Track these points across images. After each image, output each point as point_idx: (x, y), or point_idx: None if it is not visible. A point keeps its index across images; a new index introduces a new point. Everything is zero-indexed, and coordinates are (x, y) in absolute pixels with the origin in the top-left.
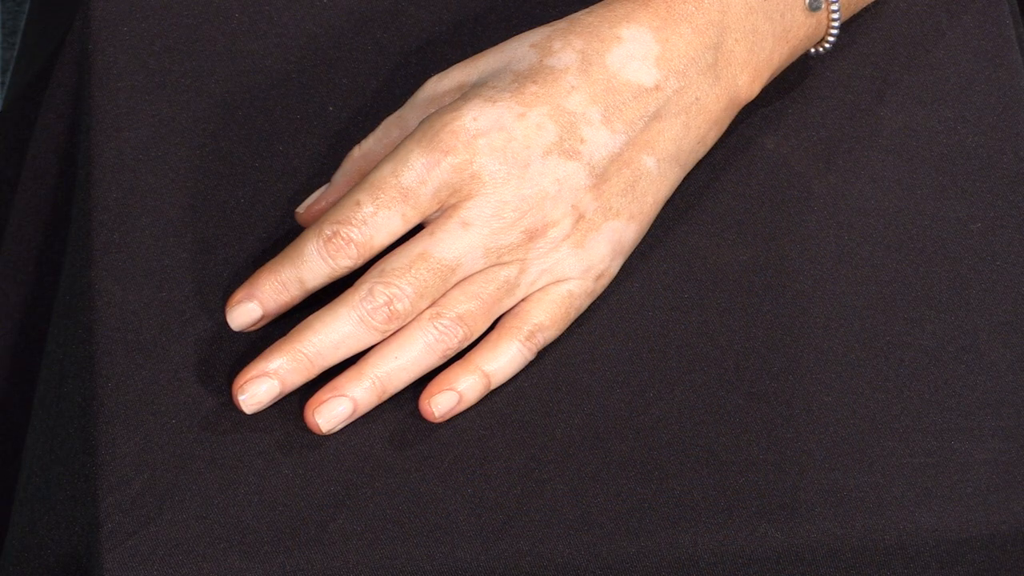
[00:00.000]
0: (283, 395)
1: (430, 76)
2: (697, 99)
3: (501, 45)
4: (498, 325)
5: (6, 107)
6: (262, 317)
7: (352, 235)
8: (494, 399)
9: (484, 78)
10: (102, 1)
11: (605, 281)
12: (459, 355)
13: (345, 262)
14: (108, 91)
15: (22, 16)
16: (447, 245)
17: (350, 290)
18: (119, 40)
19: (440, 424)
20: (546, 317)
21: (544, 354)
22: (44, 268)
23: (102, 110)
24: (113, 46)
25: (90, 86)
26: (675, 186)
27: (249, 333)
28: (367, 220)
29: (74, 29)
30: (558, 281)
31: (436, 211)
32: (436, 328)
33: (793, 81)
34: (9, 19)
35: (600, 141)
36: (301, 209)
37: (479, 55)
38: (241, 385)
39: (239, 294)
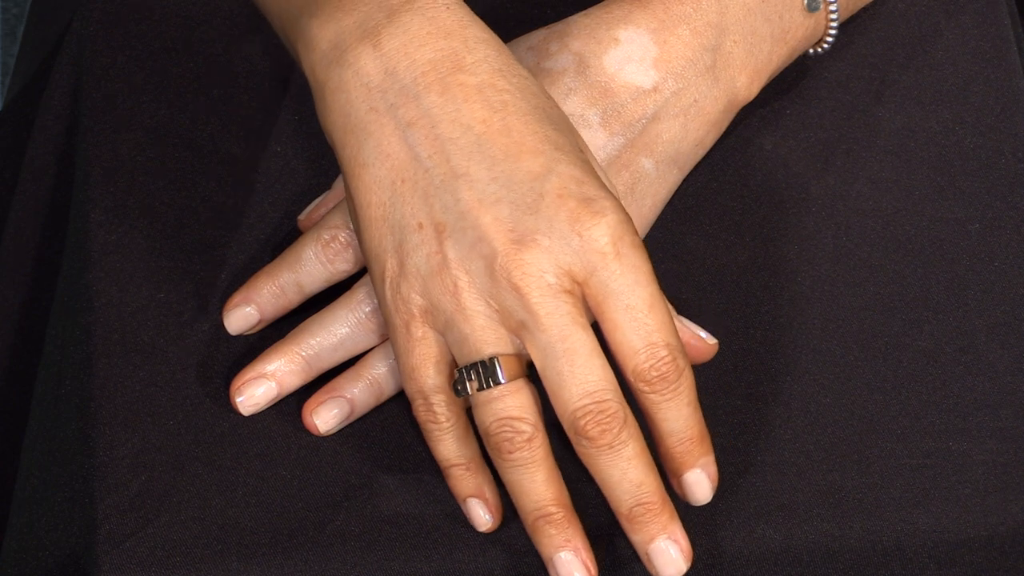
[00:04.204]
0: (281, 397)
1: None
2: (695, 101)
3: None
4: None
5: (5, 108)
6: (259, 321)
7: (350, 238)
8: None
9: None
10: (101, 1)
11: None
12: None
13: (343, 266)
14: (106, 92)
15: (22, 17)
16: None
17: (348, 293)
18: (117, 41)
19: None
20: None
21: None
22: (42, 269)
23: (100, 111)
24: (111, 47)
25: (88, 87)
26: (674, 188)
27: (247, 335)
28: None
29: (72, 30)
30: None
31: None
32: None
33: (791, 81)
34: (9, 20)
35: (598, 144)
36: (302, 216)
37: None
38: (239, 387)
39: (236, 298)
